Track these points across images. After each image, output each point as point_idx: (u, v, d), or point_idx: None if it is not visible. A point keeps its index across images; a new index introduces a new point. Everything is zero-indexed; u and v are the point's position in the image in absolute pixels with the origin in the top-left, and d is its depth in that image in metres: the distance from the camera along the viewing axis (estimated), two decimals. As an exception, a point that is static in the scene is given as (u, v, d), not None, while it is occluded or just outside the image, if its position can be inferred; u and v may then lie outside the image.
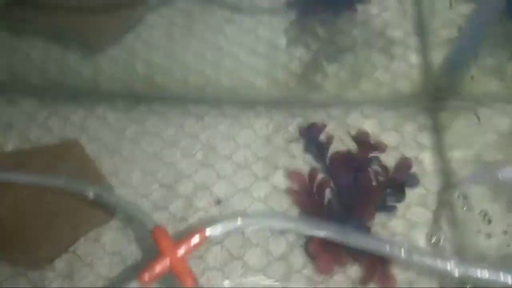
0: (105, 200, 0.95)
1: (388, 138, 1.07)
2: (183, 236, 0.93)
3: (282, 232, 0.95)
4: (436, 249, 0.93)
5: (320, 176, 1.02)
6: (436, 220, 0.96)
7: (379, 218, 0.97)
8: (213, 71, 1.19)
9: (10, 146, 1.08)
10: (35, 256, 0.93)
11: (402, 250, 0.87)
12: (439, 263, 0.86)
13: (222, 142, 1.08)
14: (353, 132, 1.08)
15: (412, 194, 0.99)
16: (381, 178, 1.01)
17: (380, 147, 1.05)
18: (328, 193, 0.99)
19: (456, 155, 1.04)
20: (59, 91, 1.18)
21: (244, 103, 1.14)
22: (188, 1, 1.32)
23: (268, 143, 1.07)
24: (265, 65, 1.20)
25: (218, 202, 1.00)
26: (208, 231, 0.89)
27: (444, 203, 0.98)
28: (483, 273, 0.85)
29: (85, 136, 1.09)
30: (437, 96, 1.14)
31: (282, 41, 1.24)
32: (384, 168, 1.02)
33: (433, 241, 0.94)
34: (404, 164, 1.03)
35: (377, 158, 1.03)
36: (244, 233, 0.95)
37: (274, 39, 1.24)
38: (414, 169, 1.02)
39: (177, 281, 0.85)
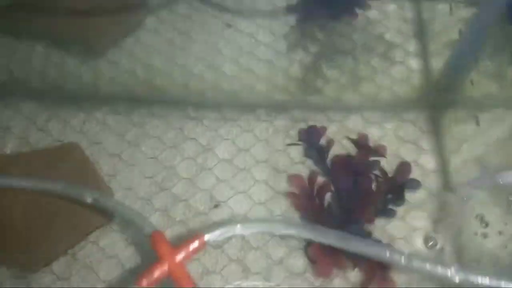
0: (103, 205, 0.94)
1: (388, 142, 1.07)
2: (182, 240, 0.93)
3: (282, 236, 0.95)
4: (434, 252, 0.93)
5: (320, 179, 1.01)
6: (436, 224, 0.96)
7: (379, 222, 0.96)
8: (213, 75, 1.19)
9: (9, 149, 1.08)
10: (33, 259, 0.92)
11: (403, 257, 0.86)
12: (439, 270, 0.86)
13: (222, 146, 1.08)
14: (353, 136, 1.07)
15: (412, 198, 0.99)
16: (381, 182, 1.00)
17: (380, 151, 1.05)
18: (328, 196, 0.99)
19: (456, 159, 1.04)
20: (59, 94, 1.18)
21: (244, 107, 1.14)
22: (188, 5, 1.33)
23: (268, 147, 1.07)
24: (265, 69, 1.20)
25: (218, 205, 1.00)
26: (207, 237, 0.88)
27: (444, 207, 0.98)
28: (483, 280, 0.84)
29: (85, 139, 1.09)
30: (437, 100, 1.14)
31: (282, 45, 1.24)
32: (384, 172, 1.02)
33: (430, 243, 0.94)
34: (404, 168, 1.03)
35: (377, 162, 1.03)
36: (244, 237, 0.95)
37: (274, 43, 1.24)
38: (414, 173, 1.02)
39: (176, 286, 0.84)
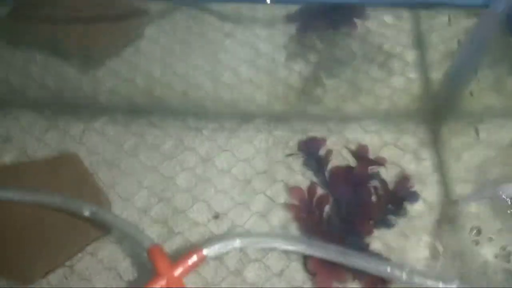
0: (101, 219, 0.94)
1: (388, 153, 1.06)
2: (181, 253, 0.93)
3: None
4: (434, 264, 0.92)
5: (319, 191, 1.01)
6: (436, 235, 0.96)
7: (379, 233, 0.96)
8: (212, 85, 1.19)
9: (8, 159, 1.08)
10: (31, 270, 0.92)
11: (404, 273, 0.86)
12: (440, 285, 0.85)
13: (221, 156, 1.07)
14: (353, 147, 1.07)
15: (411, 209, 0.99)
16: (380, 193, 1.00)
17: (379, 162, 1.05)
18: (327, 208, 0.99)
19: (456, 170, 1.04)
20: (58, 104, 1.18)
21: (244, 117, 1.13)
22: (188, 15, 1.33)
23: (267, 157, 1.07)
24: (264, 79, 1.20)
25: (216, 216, 0.99)
26: (206, 251, 0.88)
27: (445, 219, 0.97)
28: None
29: (84, 149, 1.09)
30: (437, 111, 1.14)
31: (282, 55, 1.24)
32: (384, 183, 1.02)
33: (429, 255, 0.94)
34: (404, 179, 1.02)
35: (376, 173, 1.03)
36: (243, 248, 0.94)
37: (274, 53, 1.25)
38: (414, 184, 1.02)
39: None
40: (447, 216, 0.98)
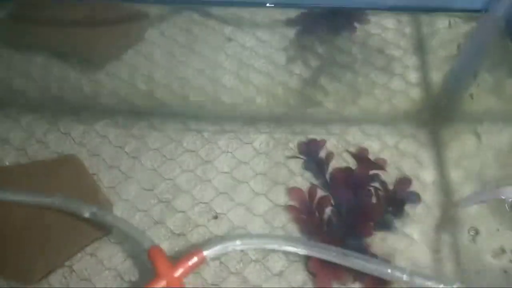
0: (101, 220, 0.94)
1: (388, 155, 1.06)
2: (181, 253, 0.93)
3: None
4: (435, 266, 0.92)
5: (319, 193, 1.01)
6: (437, 238, 0.95)
7: (379, 235, 0.96)
8: (213, 88, 1.20)
9: (7, 161, 1.08)
10: (30, 271, 0.91)
11: (404, 275, 0.86)
12: (441, 287, 0.85)
13: (221, 158, 1.07)
14: (353, 149, 1.07)
15: (412, 211, 0.99)
16: (381, 195, 1.00)
17: (380, 164, 1.05)
18: (328, 210, 0.99)
19: (457, 173, 1.04)
20: (59, 106, 1.18)
21: (244, 119, 1.14)
22: (189, 18, 1.33)
23: (267, 160, 1.07)
24: (265, 82, 1.20)
25: (216, 217, 0.99)
26: (206, 253, 0.88)
27: (445, 221, 0.97)
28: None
29: (84, 151, 1.09)
30: (437, 114, 1.15)
31: (282, 58, 1.25)
32: (384, 185, 1.02)
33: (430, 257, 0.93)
34: (404, 182, 1.02)
35: (377, 175, 1.03)
36: (243, 249, 0.94)
37: (274, 56, 1.25)
38: (415, 186, 1.02)
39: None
40: (447, 218, 0.98)
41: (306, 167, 1.06)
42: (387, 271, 0.86)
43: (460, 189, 1.02)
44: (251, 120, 1.14)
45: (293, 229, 0.97)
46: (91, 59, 1.25)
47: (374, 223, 0.97)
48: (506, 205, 0.96)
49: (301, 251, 0.90)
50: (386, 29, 1.30)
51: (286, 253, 0.93)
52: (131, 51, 1.27)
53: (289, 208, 1.00)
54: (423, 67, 1.22)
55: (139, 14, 1.34)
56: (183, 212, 1.00)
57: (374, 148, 1.08)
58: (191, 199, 1.02)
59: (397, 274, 0.86)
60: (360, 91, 1.18)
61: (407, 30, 1.30)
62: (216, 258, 0.93)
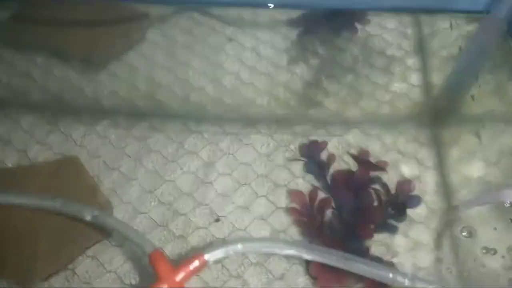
0: (103, 223, 0.94)
1: (389, 157, 1.06)
2: (182, 256, 0.93)
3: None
4: (438, 269, 0.92)
5: (320, 195, 1.01)
6: (438, 240, 0.95)
7: (380, 238, 0.96)
8: (214, 89, 1.20)
9: (9, 163, 1.07)
10: (32, 273, 0.91)
11: (406, 280, 0.86)
12: None
13: (222, 160, 1.07)
14: (354, 151, 1.07)
15: (413, 213, 0.99)
16: (382, 198, 1.00)
17: (381, 166, 1.05)
18: (329, 212, 0.99)
19: (458, 175, 1.04)
20: (60, 107, 1.17)
21: (245, 120, 1.14)
22: (190, 19, 1.33)
23: (268, 161, 1.07)
24: (266, 83, 1.20)
25: (218, 219, 0.99)
26: (207, 256, 0.88)
27: (446, 223, 0.97)
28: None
29: (85, 152, 1.09)
30: (438, 115, 1.15)
31: (283, 59, 1.24)
32: (385, 187, 1.02)
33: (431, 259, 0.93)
34: (405, 184, 1.02)
35: (378, 177, 1.03)
36: (244, 253, 0.94)
37: (275, 57, 1.25)
38: (416, 188, 1.02)
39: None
40: (449, 220, 0.98)
41: (307, 169, 1.05)
42: (389, 276, 0.86)
43: (461, 191, 1.02)
44: (252, 121, 1.14)
45: (294, 232, 0.97)
46: (92, 59, 1.25)
47: (375, 225, 0.97)
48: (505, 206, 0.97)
49: (303, 255, 0.90)
50: (387, 30, 1.30)
51: (287, 256, 0.93)
52: (132, 51, 1.27)
53: (290, 210, 1.00)
54: (424, 68, 1.22)
55: (140, 14, 1.33)
56: (184, 214, 1.00)
57: (375, 150, 1.08)
58: (192, 201, 1.01)
59: (399, 279, 0.85)
60: (361, 92, 1.18)
61: (408, 31, 1.29)
62: (217, 261, 0.92)
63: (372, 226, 0.97)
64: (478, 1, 1.25)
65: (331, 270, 0.89)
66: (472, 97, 1.15)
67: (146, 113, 1.15)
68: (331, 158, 1.06)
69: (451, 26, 1.28)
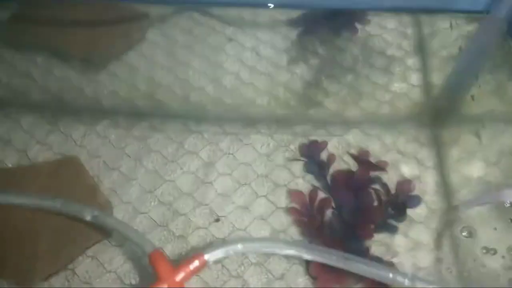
0: (103, 223, 0.94)
1: (389, 157, 1.06)
2: (182, 256, 0.93)
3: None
4: (438, 269, 0.92)
5: (320, 195, 1.01)
6: (438, 240, 0.95)
7: (380, 238, 0.96)
8: (214, 89, 1.20)
9: (9, 163, 1.07)
10: (32, 273, 0.91)
11: (406, 280, 0.86)
12: None
13: (222, 160, 1.07)
14: (354, 151, 1.07)
15: (413, 213, 0.99)
16: (382, 198, 1.00)
17: (381, 166, 1.05)
18: (329, 212, 0.99)
19: (458, 175, 1.04)
20: (60, 107, 1.18)
21: (245, 121, 1.14)
22: (190, 19, 1.33)
23: (268, 161, 1.07)
24: (266, 83, 1.20)
25: (218, 219, 0.99)
26: (207, 256, 0.88)
27: (446, 224, 0.97)
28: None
29: (85, 152, 1.09)
30: (438, 115, 1.15)
31: (283, 59, 1.24)
32: (385, 187, 1.02)
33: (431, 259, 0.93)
34: (405, 184, 1.02)
35: (378, 177, 1.03)
36: (244, 252, 0.94)
37: (275, 57, 1.25)
38: (416, 188, 1.02)
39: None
40: (449, 220, 0.98)
41: (307, 169, 1.05)
42: (389, 276, 0.86)
43: (461, 191, 1.02)
44: (252, 121, 1.14)
45: (294, 232, 0.97)
46: (92, 59, 1.25)
47: (375, 225, 0.97)
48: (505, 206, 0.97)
49: (302, 255, 0.90)
50: (387, 30, 1.30)
51: (287, 256, 0.93)
52: (132, 51, 1.27)
53: (290, 210, 1.00)
54: (424, 68, 1.22)
55: (140, 14, 1.33)
56: (184, 214, 1.00)
57: (375, 150, 1.08)
58: (192, 201, 1.01)
59: (399, 279, 0.85)
60: (361, 92, 1.18)
61: (408, 31, 1.29)
62: (217, 260, 0.92)
63: (372, 226, 0.97)
64: (478, 1, 1.25)
65: (331, 270, 0.89)
66: (472, 97, 1.15)
67: (146, 113, 1.16)
68: (331, 158, 1.06)
69: (451, 26, 1.28)
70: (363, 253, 0.93)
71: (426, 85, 1.19)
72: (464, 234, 0.96)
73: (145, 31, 1.31)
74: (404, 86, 1.19)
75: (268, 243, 0.93)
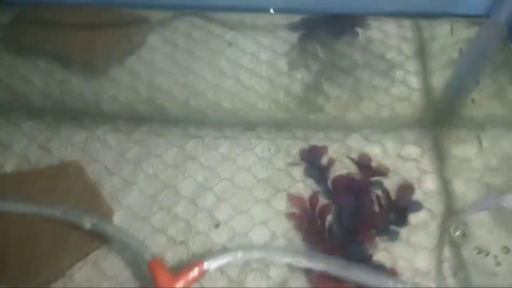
0: (103, 230, 0.93)
1: (390, 162, 1.06)
2: (182, 262, 0.93)
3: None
4: (439, 275, 0.92)
5: (321, 200, 1.01)
6: (439, 245, 0.95)
7: (381, 243, 0.95)
8: (214, 93, 1.20)
9: (9, 168, 1.07)
10: (32, 280, 0.91)
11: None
12: None
13: (222, 164, 1.07)
14: (355, 155, 1.07)
15: (414, 218, 0.99)
16: (383, 203, 1.00)
17: (381, 171, 1.04)
18: (329, 217, 0.98)
19: (459, 179, 1.04)
20: (61, 112, 1.18)
21: (245, 125, 1.13)
22: (190, 23, 1.33)
23: (269, 166, 1.07)
24: (266, 88, 1.20)
25: (218, 225, 0.99)
26: (207, 265, 0.87)
27: (447, 228, 0.97)
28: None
29: (86, 157, 1.09)
30: (439, 119, 1.14)
31: (284, 63, 1.24)
32: (386, 192, 1.01)
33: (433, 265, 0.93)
34: (406, 189, 1.02)
35: (379, 182, 1.03)
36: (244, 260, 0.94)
37: (276, 61, 1.25)
38: (417, 193, 1.02)
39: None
40: (450, 225, 0.98)
41: (308, 173, 1.05)
42: (390, 285, 0.85)
43: (462, 195, 1.02)
44: (252, 125, 1.13)
45: (295, 237, 0.97)
46: (93, 64, 1.25)
47: (376, 230, 0.97)
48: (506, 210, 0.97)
49: (303, 264, 0.89)
50: (387, 34, 1.30)
51: (288, 263, 0.93)
52: (132, 56, 1.27)
53: (290, 215, 0.99)
54: (425, 72, 1.22)
55: (140, 19, 1.34)
56: (184, 219, 1.00)
57: (375, 154, 1.08)
58: (193, 206, 1.01)
59: (400, 286, 0.85)
60: (361, 96, 1.18)
61: (409, 35, 1.29)
62: (217, 267, 0.92)
63: (373, 231, 0.97)
64: (478, 6, 1.25)
65: (332, 277, 0.89)
66: (473, 100, 1.15)
67: (146, 118, 1.16)
68: (332, 162, 1.06)
69: (451, 30, 1.28)
70: (364, 258, 0.93)
71: (427, 89, 1.19)
72: (465, 238, 0.96)
73: (145, 35, 1.31)
74: (405, 90, 1.19)
75: (269, 252, 0.92)
